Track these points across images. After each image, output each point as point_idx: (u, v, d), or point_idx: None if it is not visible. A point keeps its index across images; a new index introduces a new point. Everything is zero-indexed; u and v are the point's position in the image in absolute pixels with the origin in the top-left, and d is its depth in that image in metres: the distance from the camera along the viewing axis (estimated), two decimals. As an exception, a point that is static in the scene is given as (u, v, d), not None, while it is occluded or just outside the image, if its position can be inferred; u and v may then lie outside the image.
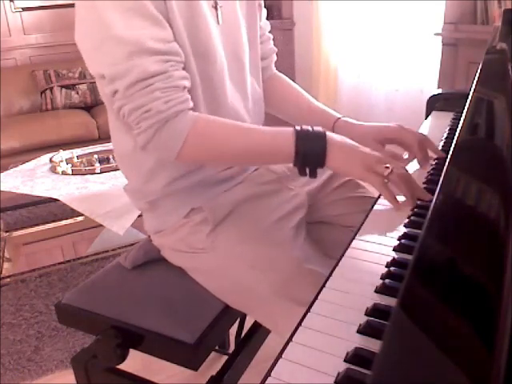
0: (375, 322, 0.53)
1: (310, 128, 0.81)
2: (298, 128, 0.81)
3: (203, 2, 0.87)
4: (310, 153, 0.80)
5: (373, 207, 0.83)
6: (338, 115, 1.05)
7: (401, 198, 0.80)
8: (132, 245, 1.12)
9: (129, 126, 0.83)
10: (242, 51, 0.97)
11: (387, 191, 0.79)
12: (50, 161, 2.24)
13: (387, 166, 0.78)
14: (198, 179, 0.93)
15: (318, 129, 0.81)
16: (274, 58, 1.14)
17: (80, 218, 2.25)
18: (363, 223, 0.77)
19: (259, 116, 1.06)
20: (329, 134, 0.81)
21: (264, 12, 1.08)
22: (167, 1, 0.81)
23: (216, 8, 0.91)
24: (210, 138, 0.83)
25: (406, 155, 1.00)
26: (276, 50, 1.14)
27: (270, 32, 1.11)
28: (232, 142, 0.83)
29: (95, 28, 0.79)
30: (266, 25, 1.09)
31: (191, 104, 0.83)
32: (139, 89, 0.77)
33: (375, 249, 0.69)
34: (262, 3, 1.07)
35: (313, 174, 0.82)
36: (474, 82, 0.96)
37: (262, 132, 0.84)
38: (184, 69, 0.83)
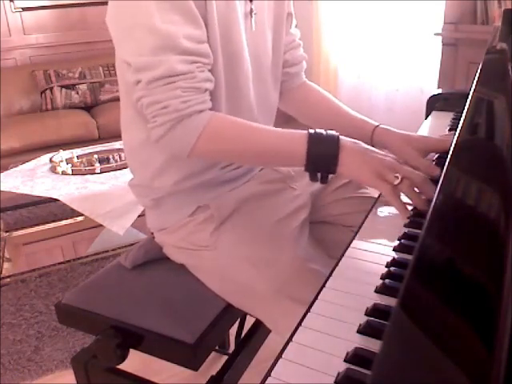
0: (375, 322, 0.53)
1: (323, 131, 0.80)
2: (311, 131, 0.80)
3: (238, 8, 0.88)
4: (322, 156, 0.79)
5: (373, 207, 0.84)
6: (376, 123, 1.03)
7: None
8: (132, 245, 1.12)
9: (144, 119, 0.84)
10: (266, 59, 0.99)
11: (395, 200, 0.76)
12: (50, 161, 2.25)
13: (397, 175, 0.76)
14: (205, 179, 0.94)
15: (332, 133, 0.80)
16: (304, 65, 1.14)
17: (80, 218, 2.25)
18: (363, 223, 0.78)
19: (270, 122, 1.07)
20: (342, 138, 0.80)
21: (294, 21, 1.09)
22: (208, 1, 0.82)
23: (251, 15, 0.92)
24: (223, 136, 0.83)
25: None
26: (306, 56, 1.14)
27: (299, 39, 1.12)
28: (245, 142, 0.83)
29: (130, 14, 0.79)
30: (296, 31, 1.10)
31: (210, 105, 0.83)
32: (162, 84, 0.77)
33: (375, 249, 0.69)
34: (293, 13, 1.07)
35: (324, 180, 0.81)
36: (474, 82, 0.96)
37: (275, 133, 0.84)
38: (210, 70, 0.84)
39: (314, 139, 0.79)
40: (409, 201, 0.78)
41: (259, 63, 0.97)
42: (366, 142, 1.01)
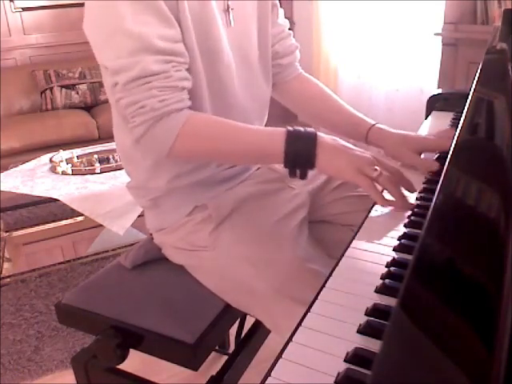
0: (375, 322, 0.53)
1: (301, 129, 0.81)
2: (290, 128, 0.81)
3: (214, 5, 0.88)
4: (300, 153, 0.80)
5: (373, 207, 0.83)
6: (372, 121, 1.04)
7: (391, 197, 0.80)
8: (132, 245, 1.12)
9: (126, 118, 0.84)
10: (252, 53, 0.98)
11: (375, 193, 0.79)
12: (50, 161, 2.25)
13: (376, 168, 0.78)
14: (200, 177, 0.94)
15: (310, 130, 0.81)
16: (298, 55, 1.13)
17: (80, 218, 2.25)
18: (363, 223, 0.77)
19: (263, 117, 1.07)
20: (320, 134, 0.81)
21: (281, 11, 1.09)
22: (180, 1, 0.82)
23: (228, 11, 0.92)
24: (200, 134, 0.84)
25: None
26: (298, 46, 1.13)
27: (289, 29, 1.11)
28: (223, 140, 0.84)
29: (105, 19, 0.80)
30: (285, 22, 1.10)
31: (188, 104, 0.83)
32: (137, 85, 0.79)
33: (375, 249, 0.69)
34: (278, 3, 1.07)
35: (303, 176, 0.82)
36: (474, 82, 0.96)
37: (253, 131, 0.85)
38: (188, 69, 0.84)
39: (291, 136, 0.80)
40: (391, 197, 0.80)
41: (245, 57, 0.97)
42: (360, 141, 1.02)
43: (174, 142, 0.81)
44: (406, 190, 0.82)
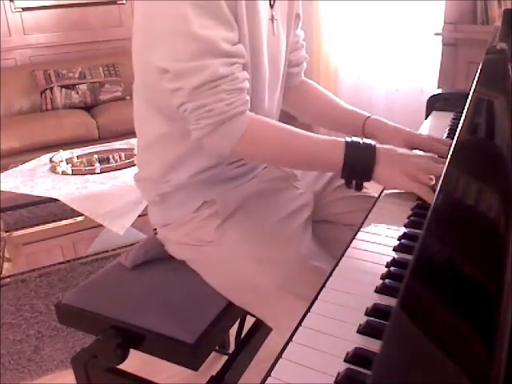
0: (375, 322, 0.53)
1: (360, 141, 0.83)
2: (348, 139, 0.82)
3: (262, 13, 0.89)
4: (358, 165, 0.81)
5: (373, 207, 0.84)
6: (368, 114, 1.07)
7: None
8: (132, 245, 1.12)
9: (163, 114, 0.86)
10: (281, 61, 1.00)
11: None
12: (50, 161, 2.25)
13: (431, 177, 0.78)
14: (210, 175, 0.95)
15: (368, 141, 0.83)
16: (305, 65, 1.16)
17: (80, 218, 2.25)
18: (363, 223, 0.78)
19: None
20: (378, 146, 0.82)
21: (300, 22, 1.10)
22: (238, 1, 0.82)
23: (272, 20, 0.93)
24: (262, 140, 0.86)
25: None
26: (307, 57, 1.16)
27: (303, 40, 1.13)
28: (284, 147, 0.86)
29: (165, 20, 0.79)
30: (301, 32, 1.12)
31: (249, 105, 0.84)
32: (206, 89, 0.79)
33: (375, 249, 0.69)
34: (301, 14, 1.08)
35: (359, 186, 0.84)
36: (474, 82, 0.96)
37: (314, 140, 0.86)
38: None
39: (351, 148, 0.82)
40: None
41: (276, 66, 0.98)
42: (357, 133, 1.05)
43: (236, 145, 0.83)
44: None
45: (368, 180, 0.82)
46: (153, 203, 1.01)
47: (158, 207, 1.00)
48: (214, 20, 0.79)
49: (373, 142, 0.83)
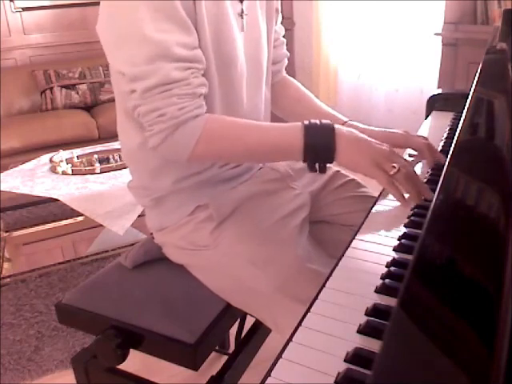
0: (375, 322, 0.53)
1: (317, 122, 0.81)
2: (306, 122, 0.81)
3: (229, 9, 0.88)
4: (319, 146, 0.80)
5: (373, 207, 0.84)
6: (345, 118, 1.06)
7: (406, 195, 0.81)
8: (132, 245, 1.12)
9: (139, 123, 0.84)
10: (263, 57, 0.99)
11: (393, 189, 0.80)
12: (50, 161, 2.24)
13: (394, 165, 0.79)
14: (203, 178, 0.94)
15: (327, 122, 0.82)
16: (286, 62, 1.15)
17: (80, 218, 2.25)
18: (363, 223, 0.78)
19: (267, 119, 1.08)
20: (337, 126, 0.81)
21: (280, 17, 1.09)
22: (197, 1, 0.81)
23: (242, 16, 0.92)
24: (220, 136, 0.84)
25: (406, 156, 1.00)
26: (288, 54, 1.15)
27: (283, 36, 1.12)
28: (242, 140, 0.84)
29: (122, 22, 0.79)
30: (280, 29, 1.10)
31: (204, 109, 0.83)
32: (157, 93, 0.78)
33: (375, 249, 0.69)
34: (280, 8, 1.07)
35: (322, 169, 0.82)
36: (474, 82, 0.97)
37: (271, 128, 0.85)
38: (203, 75, 0.84)
39: (309, 130, 0.80)
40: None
41: (256, 63, 0.97)
42: None
43: (193, 147, 0.81)
44: (423, 192, 0.81)
45: (331, 161, 0.81)
46: (148, 208, 1.01)
47: (153, 212, 1.00)
48: (170, 24, 0.78)
49: (331, 122, 0.82)
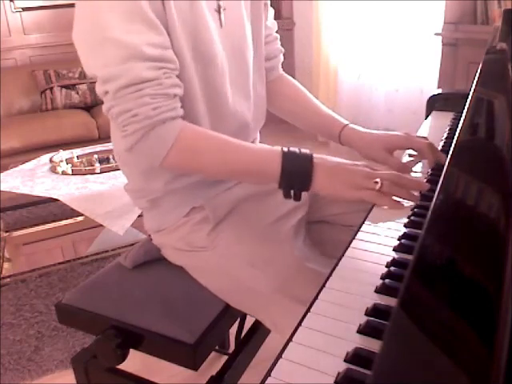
0: (375, 322, 0.53)
1: (296, 150, 0.81)
2: (285, 149, 0.81)
3: (204, 5, 0.86)
4: (296, 174, 0.80)
5: (373, 207, 0.83)
6: (345, 122, 1.05)
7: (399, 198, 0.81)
8: (132, 245, 1.12)
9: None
10: (247, 53, 0.97)
11: (385, 201, 0.79)
12: (50, 161, 2.24)
13: (376, 180, 0.78)
14: (197, 179, 0.93)
15: (305, 151, 0.81)
16: (281, 58, 1.14)
17: (80, 218, 2.25)
18: (363, 223, 0.78)
19: (261, 117, 1.07)
20: (315, 156, 0.81)
21: (271, 12, 1.08)
22: (165, 1, 0.80)
23: (219, 11, 0.90)
24: (195, 149, 0.82)
25: (405, 157, 1.00)
26: (283, 50, 1.13)
27: (276, 32, 1.11)
28: (217, 158, 0.83)
29: (92, 28, 0.79)
30: (273, 25, 1.09)
31: (181, 112, 0.82)
32: (129, 92, 0.77)
33: (375, 249, 0.69)
34: (268, 3, 1.06)
35: (297, 197, 0.82)
36: (474, 82, 0.96)
37: (249, 150, 0.83)
38: (178, 76, 0.83)
39: (287, 157, 0.80)
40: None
41: (239, 59, 0.95)
42: (334, 141, 1.05)
43: (166, 154, 0.80)
44: (416, 188, 0.82)
45: (306, 190, 0.80)
46: (145, 209, 1.01)
47: (150, 213, 0.99)
48: (138, 25, 0.77)
49: (309, 152, 0.81)
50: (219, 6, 0.90)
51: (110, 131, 0.97)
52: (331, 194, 0.82)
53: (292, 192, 0.81)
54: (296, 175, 0.80)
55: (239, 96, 0.96)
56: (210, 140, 0.83)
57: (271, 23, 1.08)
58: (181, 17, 0.83)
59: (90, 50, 0.80)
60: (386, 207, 0.80)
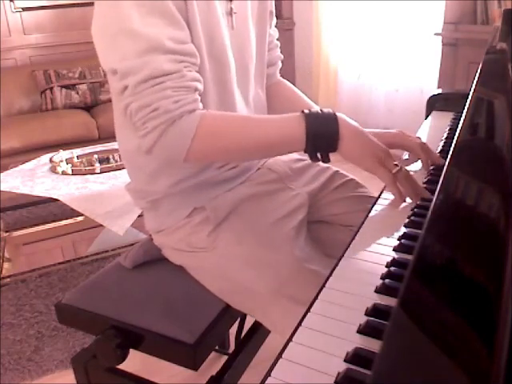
0: (375, 322, 0.53)
1: (319, 110, 0.80)
2: (306, 111, 0.79)
3: (218, 7, 0.87)
4: (322, 134, 0.77)
5: (373, 207, 0.83)
6: None
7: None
8: (132, 245, 1.12)
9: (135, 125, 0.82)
10: (250, 58, 0.98)
11: (395, 188, 0.80)
12: (50, 161, 2.24)
13: (396, 163, 0.79)
14: (200, 180, 0.93)
15: (328, 110, 0.80)
16: (280, 65, 1.15)
17: (80, 218, 2.25)
18: (363, 223, 0.77)
19: None
20: (340, 115, 0.79)
21: (274, 19, 1.08)
22: (188, 1, 0.81)
23: (231, 14, 0.91)
24: (218, 132, 0.81)
25: (405, 156, 1.00)
26: (282, 57, 1.15)
27: (277, 39, 1.12)
28: (241, 135, 0.81)
29: (112, 22, 0.78)
30: (274, 32, 1.10)
31: (200, 105, 0.81)
32: (149, 86, 0.75)
33: (375, 249, 0.69)
34: (274, 11, 1.07)
35: (325, 159, 0.80)
36: (474, 82, 0.97)
37: (270, 121, 0.82)
38: (198, 71, 0.82)
39: (310, 118, 0.78)
40: None
41: (243, 62, 0.96)
42: None
43: (190, 145, 0.78)
44: (420, 193, 0.82)
45: (334, 150, 0.78)
46: (145, 210, 1.01)
47: (151, 213, 0.99)
48: (159, 19, 0.77)
49: (332, 111, 0.80)
50: (231, 9, 0.91)
51: (116, 130, 0.97)
52: (354, 160, 0.80)
53: (319, 155, 0.80)
54: (322, 135, 0.78)
55: (241, 100, 0.97)
56: (231, 120, 0.83)
57: (273, 30, 1.09)
58: (201, 16, 0.83)
59: (109, 43, 0.79)
60: (391, 195, 0.81)
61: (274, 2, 1.06)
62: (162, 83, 0.75)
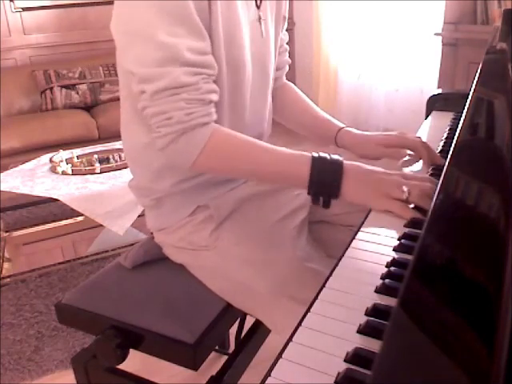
0: (375, 322, 0.53)
1: (327, 156, 0.80)
2: (315, 155, 0.80)
3: (240, 13, 0.87)
4: (325, 182, 0.79)
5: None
6: (342, 125, 1.06)
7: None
8: (132, 245, 1.12)
9: (147, 124, 0.83)
10: (270, 64, 0.99)
11: (409, 215, 0.75)
12: (50, 161, 2.25)
13: (403, 189, 0.76)
14: (204, 179, 0.94)
15: (336, 157, 0.80)
16: (287, 68, 1.16)
17: (80, 218, 2.25)
18: (363, 223, 0.77)
19: (270, 127, 1.09)
20: (345, 162, 0.79)
21: (285, 24, 1.09)
22: (212, 1, 0.81)
23: (260, 22, 0.92)
24: (225, 153, 0.83)
25: (406, 157, 1.00)
26: (290, 61, 1.15)
27: (287, 43, 1.12)
28: (247, 161, 0.83)
29: (134, 23, 0.79)
30: (285, 36, 1.10)
31: (214, 117, 0.83)
32: (166, 96, 0.77)
33: (375, 249, 0.69)
34: (287, 15, 1.07)
35: (326, 205, 0.80)
36: (474, 82, 0.97)
37: (279, 154, 0.83)
38: (215, 81, 0.83)
39: (317, 164, 0.79)
40: None
41: (264, 69, 0.97)
42: (331, 143, 1.06)
43: (196, 157, 0.81)
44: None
45: (336, 197, 0.79)
46: (148, 208, 1.01)
47: (153, 212, 1.00)
48: (181, 29, 0.77)
49: (340, 158, 0.80)
50: (259, 17, 0.92)
51: (121, 127, 0.97)
52: (360, 202, 0.80)
53: (321, 199, 0.80)
54: (324, 183, 0.79)
55: (255, 105, 0.98)
56: (239, 143, 0.84)
57: (284, 34, 1.09)
58: (223, 20, 0.84)
59: (129, 44, 0.80)
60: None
61: (287, 4, 1.06)
62: (177, 94, 0.77)
